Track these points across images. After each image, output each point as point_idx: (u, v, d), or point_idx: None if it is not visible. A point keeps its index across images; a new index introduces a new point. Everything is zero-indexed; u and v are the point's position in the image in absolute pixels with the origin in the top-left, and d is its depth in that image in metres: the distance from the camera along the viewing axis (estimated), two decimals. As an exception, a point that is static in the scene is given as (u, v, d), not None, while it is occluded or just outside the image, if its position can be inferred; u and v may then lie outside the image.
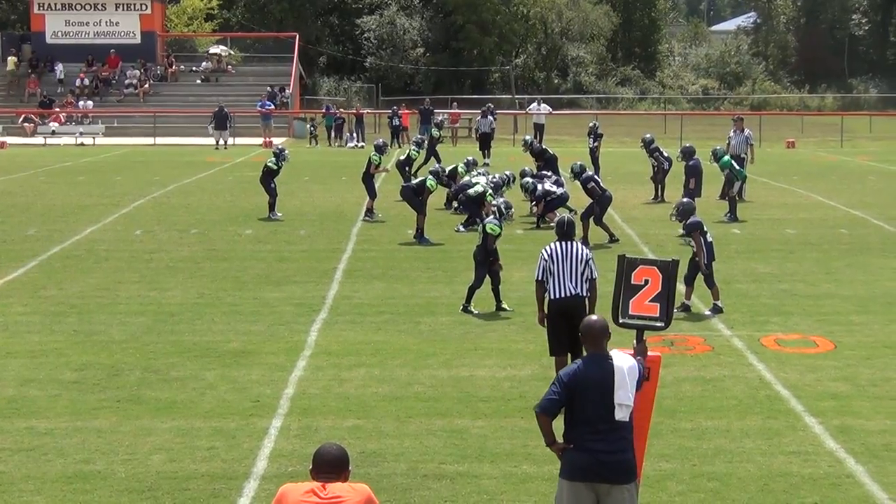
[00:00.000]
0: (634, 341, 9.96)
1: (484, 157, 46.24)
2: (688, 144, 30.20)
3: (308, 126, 60.59)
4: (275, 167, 30.82)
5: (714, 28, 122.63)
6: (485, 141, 49.55)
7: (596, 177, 28.06)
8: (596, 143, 40.96)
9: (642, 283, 10.02)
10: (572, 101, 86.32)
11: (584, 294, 14.44)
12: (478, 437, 13.18)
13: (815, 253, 25.28)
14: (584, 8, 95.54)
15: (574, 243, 14.73)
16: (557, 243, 14.68)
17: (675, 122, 64.87)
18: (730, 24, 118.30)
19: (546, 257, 14.57)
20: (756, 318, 19.16)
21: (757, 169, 37.97)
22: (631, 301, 10.04)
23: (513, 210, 26.72)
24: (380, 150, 31.00)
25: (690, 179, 29.18)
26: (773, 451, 12.73)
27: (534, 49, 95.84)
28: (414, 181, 28.80)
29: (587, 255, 14.62)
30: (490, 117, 50.54)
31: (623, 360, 9.12)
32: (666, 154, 34.29)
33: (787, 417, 13.96)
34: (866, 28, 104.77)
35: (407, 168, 33.68)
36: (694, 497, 11.44)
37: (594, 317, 9.36)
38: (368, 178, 30.48)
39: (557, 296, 14.45)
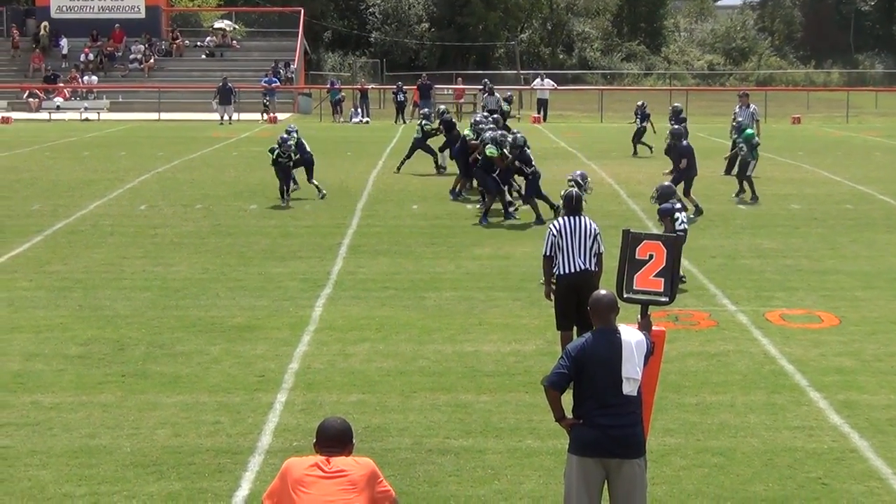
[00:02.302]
0: (639, 316, 9.97)
1: None
2: (677, 126, 29.24)
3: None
4: (274, 156, 28.72)
5: (720, 3, 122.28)
6: None
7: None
8: (644, 124, 40.41)
9: (647, 257, 10.02)
10: (577, 77, 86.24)
11: (593, 269, 14.36)
12: (482, 412, 13.18)
13: (820, 228, 25.25)
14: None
15: (582, 217, 14.58)
16: (565, 218, 14.58)
17: (680, 97, 64.75)
18: (735, 0, 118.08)
19: (555, 232, 14.45)
20: (761, 293, 19.16)
21: (762, 144, 37.78)
22: (636, 276, 10.04)
23: (509, 139, 26.58)
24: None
25: (682, 160, 28.04)
26: (778, 426, 12.74)
27: (539, 24, 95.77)
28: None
29: (595, 229, 14.52)
30: (497, 94, 50.40)
31: (631, 335, 9.14)
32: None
33: (792, 392, 13.97)
34: (872, 4, 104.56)
35: (427, 143, 34.03)
36: (698, 472, 11.45)
37: (602, 291, 9.35)
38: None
39: (566, 271, 14.35)
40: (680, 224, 19.40)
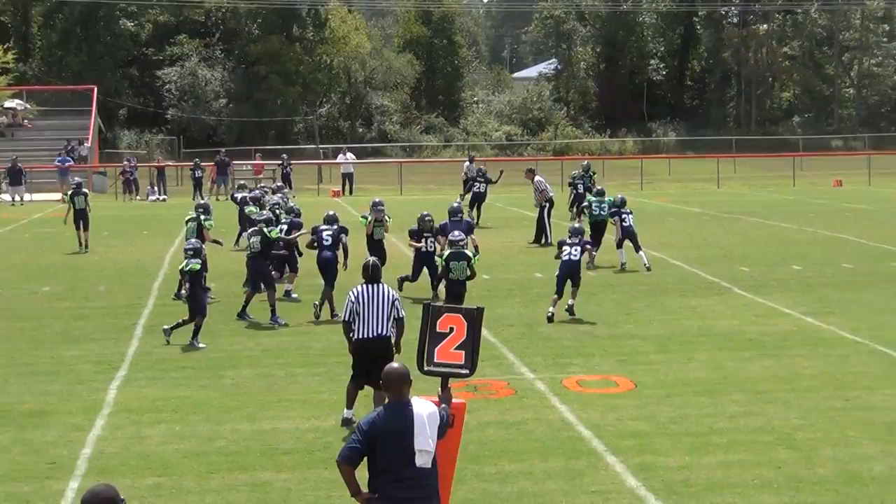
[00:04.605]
0: (439, 388, 9.95)
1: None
2: (455, 203, 27.91)
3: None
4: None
5: (516, 75, 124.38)
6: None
7: None
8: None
9: (447, 330, 10.07)
10: (377, 150, 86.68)
11: (389, 334, 14.96)
12: (281, 491, 13.03)
13: (615, 294, 25.63)
14: (388, 57, 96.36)
15: (381, 286, 15.20)
16: (365, 286, 15.17)
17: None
18: (531, 71, 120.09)
19: (353, 298, 15.07)
20: (558, 360, 19.34)
21: (557, 213, 38.39)
22: (436, 349, 10.07)
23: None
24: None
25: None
26: (576, 492, 12.82)
27: (338, 98, 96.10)
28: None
29: (394, 296, 15.15)
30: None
31: (423, 407, 9.12)
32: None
33: (589, 457, 14.09)
34: (664, 73, 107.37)
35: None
36: (498, 542, 11.44)
37: (395, 365, 9.37)
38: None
39: (362, 336, 14.96)
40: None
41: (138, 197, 57.98)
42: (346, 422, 15.28)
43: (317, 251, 23.83)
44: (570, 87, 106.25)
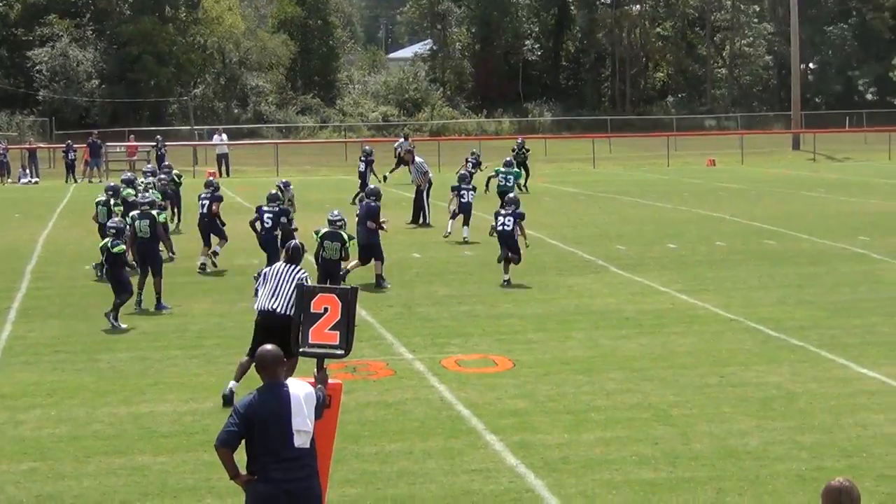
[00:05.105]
0: (315, 370, 9.93)
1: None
2: (373, 186, 28.13)
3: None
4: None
5: (392, 56, 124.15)
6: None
7: None
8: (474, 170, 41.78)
9: (322, 311, 10.03)
10: (253, 131, 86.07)
11: (284, 312, 14.97)
12: (159, 474, 12.93)
13: (493, 274, 25.68)
14: (262, 37, 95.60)
15: (294, 267, 15.56)
16: (281, 264, 15.78)
17: (355, 149, 65.32)
18: (407, 52, 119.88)
19: (263, 272, 15.78)
20: (437, 340, 19.41)
21: (436, 193, 38.45)
22: (310, 330, 10.03)
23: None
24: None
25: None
26: (456, 471, 12.87)
27: (212, 79, 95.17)
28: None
29: (300, 277, 15.32)
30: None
31: (299, 388, 9.13)
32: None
33: (469, 436, 14.16)
34: (539, 53, 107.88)
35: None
36: (379, 521, 11.46)
37: (268, 347, 9.33)
38: None
39: (259, 308, 15.44)
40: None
41: (10, 180, 57.01)
42: (228, 397, 15.19)
43: (261, 231, 24.69)
44: (445, 67, 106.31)
